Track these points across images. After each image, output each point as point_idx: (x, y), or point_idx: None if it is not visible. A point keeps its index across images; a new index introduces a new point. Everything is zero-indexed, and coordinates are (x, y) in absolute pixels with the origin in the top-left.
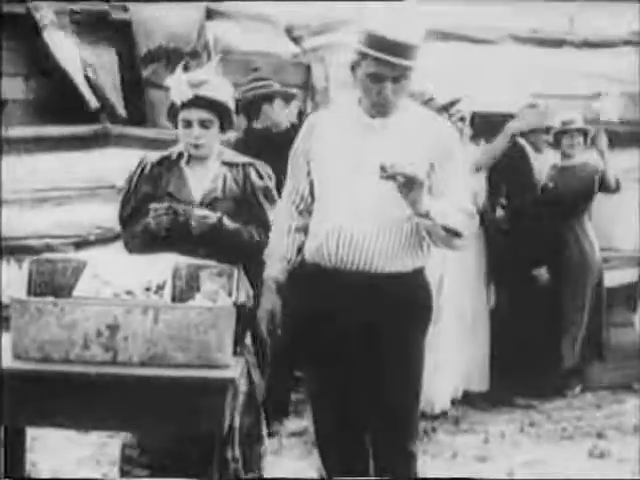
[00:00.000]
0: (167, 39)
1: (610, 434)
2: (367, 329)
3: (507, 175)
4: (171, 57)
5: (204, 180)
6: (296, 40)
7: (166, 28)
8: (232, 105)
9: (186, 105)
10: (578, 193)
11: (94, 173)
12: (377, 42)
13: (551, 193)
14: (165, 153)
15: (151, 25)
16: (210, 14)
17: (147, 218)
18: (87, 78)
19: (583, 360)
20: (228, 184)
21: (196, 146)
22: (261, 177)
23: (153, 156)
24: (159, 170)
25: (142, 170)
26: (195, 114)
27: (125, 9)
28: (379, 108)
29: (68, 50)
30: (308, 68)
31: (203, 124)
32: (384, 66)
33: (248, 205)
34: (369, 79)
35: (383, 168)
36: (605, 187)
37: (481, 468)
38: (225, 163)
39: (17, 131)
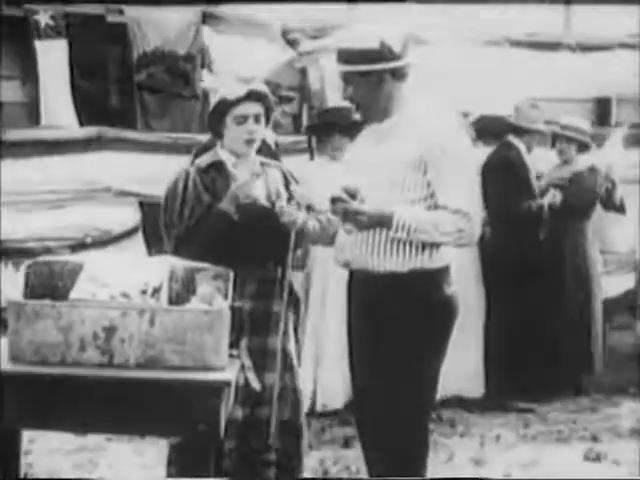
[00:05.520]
0: (163, 42)
1: (605, 437)
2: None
3: (502, 175)
4: (167, 60)
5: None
6: (291, 43)
7: (162, 31)
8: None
9: (241, 100)
10: (584, 199)
11: (90, 176)
12: (337, 55)
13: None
14: (207, 159)
15: (147, 28)
16: (206, 18)
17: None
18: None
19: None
20: (275, 184)
21: (250, 141)
22: (296, 181)
23: (195, 165)
24: (210, 177)
25: (191, 180)
26: (251, 108)
27: (121, 12)
28: (363, 113)
29: (56, 58)
30: (304, 71)
31: (256, 119)
32: (346, 74)
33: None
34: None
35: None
36: (610, 205)
37: (477, 471)
38: (262, 164)
39: (14, 134)
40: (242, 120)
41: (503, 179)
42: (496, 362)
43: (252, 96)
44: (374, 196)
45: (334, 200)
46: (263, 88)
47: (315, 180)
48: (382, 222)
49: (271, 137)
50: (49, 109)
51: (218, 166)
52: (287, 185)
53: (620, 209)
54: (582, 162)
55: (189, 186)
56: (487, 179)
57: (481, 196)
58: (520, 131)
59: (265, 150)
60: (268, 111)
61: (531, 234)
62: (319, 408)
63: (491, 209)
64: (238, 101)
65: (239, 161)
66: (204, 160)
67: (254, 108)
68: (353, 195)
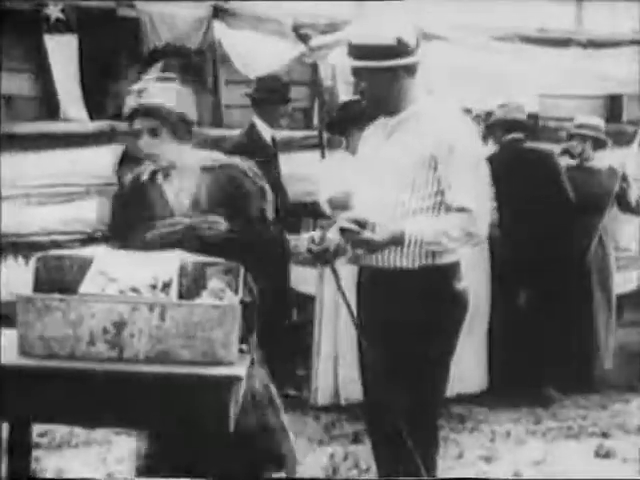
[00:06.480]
0: (174, 37)
1: (615, 434)
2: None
3: (535, 168)
4: (178, 54)
5: (184, 193)
6: (303, 38)
7: (173, 26)
8: (182, 108)
9: (133, 115)
10: (598, 197)
11: (100, 170)
12: (350, 50)
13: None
14: (152, 167)
15: (158, 23)
16: (217, 13)
17: (157, 231)
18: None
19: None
20: (211, 192)
21: (148, 156)
22: (247, 176)
23: (146, 169)
24: (147, 187)
25: (137, 184)
26: (140, 123)
27: (132, 6)
28: (375, 108)
29: (66, 52)
30: (315, 66)
31: (153, 132)
32: (359, 69)
33: (238, 208)
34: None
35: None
36: (625, 205)
37: (487, 468)
38: (204, 169)
39: (24, 127)
40: (138, 134)
41: (538, 171)
42: (504, 359)
43: (142, 110)
44: (383, 192)
45: (343, 230)
46: (153, 100)
47: (328, 176)
48: (394, 242)
49: (268, 133)
50: (59, 103)
51: (153, 175)
52: (242, 184)
53: (636, 210)
54: (600, 161)
55: (134, 193)
56: (509, 174)
57: (499, 191)
58: (522, 127)
59: (259, 147)
60: (172, 122)
61: (547, 229)
62: (342, 402)
63: (513, 203)
64: (131, 116)
65: (169, 169)
66: (149, 167)
67: (145, 123)
68: (363, 225)
